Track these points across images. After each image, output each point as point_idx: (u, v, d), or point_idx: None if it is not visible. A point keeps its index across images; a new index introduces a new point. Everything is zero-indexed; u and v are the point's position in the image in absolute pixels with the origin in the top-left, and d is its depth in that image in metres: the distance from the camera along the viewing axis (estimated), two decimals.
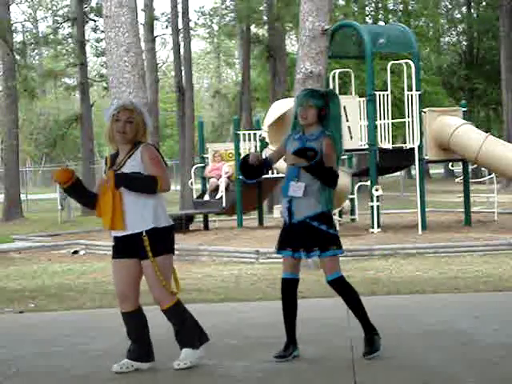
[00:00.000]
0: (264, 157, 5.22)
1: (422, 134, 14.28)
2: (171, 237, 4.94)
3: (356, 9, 33.38)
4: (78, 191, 4.94)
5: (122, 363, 4.94)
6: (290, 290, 5.12)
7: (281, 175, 15.68)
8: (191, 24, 31.28)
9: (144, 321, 5.01)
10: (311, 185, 5.03)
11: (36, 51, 38.62)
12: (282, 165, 13.94)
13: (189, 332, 4.99)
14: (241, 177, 5.17)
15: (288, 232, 5.10)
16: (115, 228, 4.85)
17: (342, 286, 5.05)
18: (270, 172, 16.30)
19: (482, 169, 20.77)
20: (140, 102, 11.07)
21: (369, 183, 14.41)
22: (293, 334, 5.12)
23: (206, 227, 16.67)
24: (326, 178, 5.01)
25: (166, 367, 5.00)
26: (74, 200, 5.20)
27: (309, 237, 5.02)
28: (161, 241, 4.86)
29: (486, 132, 16.02)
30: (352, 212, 16.30)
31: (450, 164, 18.41)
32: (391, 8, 36.39)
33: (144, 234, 4.82)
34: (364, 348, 5.06)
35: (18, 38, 33.54)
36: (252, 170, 5.15)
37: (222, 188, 16.48)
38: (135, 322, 4.96)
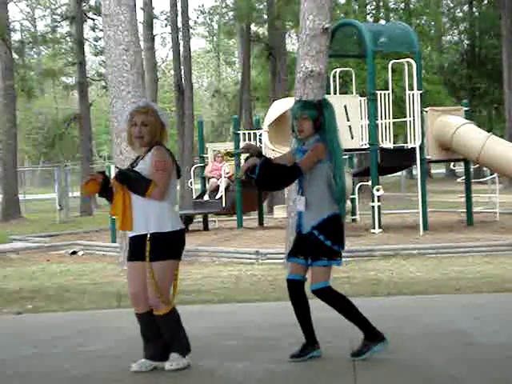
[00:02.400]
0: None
1: (423, 133, 14.23)
2: (177, 242, 4.85)
3: (357, 7, 33.35)
4: (110, 192, 4.90)
5: (140, 362, 4.91)
6: (296, 290, 5.08)
7: None
8: (191, 23, 31.33)
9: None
10: (311, 196, 4.98)
11: (34, 50, 38.56)
12: None
13: (178, 342, 4.92)
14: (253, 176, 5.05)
15: (299, 241, 5.09)
16: (124, 228, 4.84)
17: (326, 296, 4.98)
18: None
19: (484, 169, 20.74)
20: (136, 103, 11.01)
21: (370, 183, 14.36)
22: (309, 334, 5.07)
23: (206, 227, 16.62)
24: (276, 177, 4.93)
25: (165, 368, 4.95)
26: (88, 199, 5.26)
27: (304, 245, 5.01)
28: (162, 246, 4.78)
29: (488, 131, 15.98)
30: (353, 212, 16.27)
31: (452, 164, 18.37)
32: (392, 6, 36.38)
33: (148, 237, 4.77)
34: (357, 347, 5.03)
35: (16, 36, 33.62)
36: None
37: (222, 188, 16.44)
38: (147, 322, 4.91)
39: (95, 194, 4.91)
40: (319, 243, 4.94)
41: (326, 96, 9.88)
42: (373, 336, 5.00)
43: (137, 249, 4.84)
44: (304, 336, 5.09)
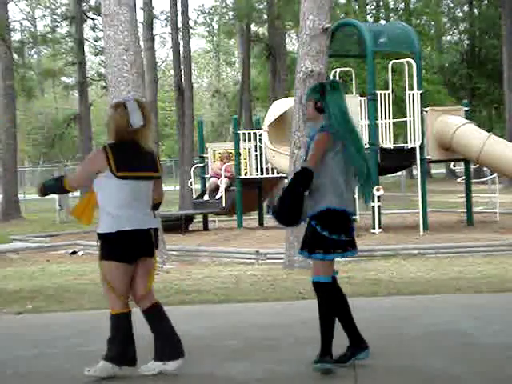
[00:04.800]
0: None
1: (423, 133, 14.22)
2: (120, 244, 4.80)
3: (357, 7, 33.35)
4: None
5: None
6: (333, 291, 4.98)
7: (281, 175, 15.63)
8: (191, 22, 31.26)
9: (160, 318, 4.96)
10: (318, 180, 4.86)
11: (34, 50, 38.57)
12: (282, 165, 13.81)
13: (113, 348, 4.94)
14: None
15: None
16: (82, 222, 5.06)
17: (321, 293, 4.90)
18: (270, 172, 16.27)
19: (484, 169, 20.72)
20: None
21: None
22: (351, 334, 4.97)
23: (206, 227, 16.61)
24: (290, 199, 4.85)
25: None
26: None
27: (306, 235, 4.96)
28: (106, 246, 4.83)
29: (488, 131, 15.97)
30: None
31: (452, 164, 18.36)
32: (392, 6, 36.38)
33: (98, 237, 4.87)
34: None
35: (16, 36, 33.59)
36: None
37: (222, 188, 16.43)
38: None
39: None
40: (316, 234, 4.86)
41: None
42: (325, 351, 4.85)
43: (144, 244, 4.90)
44: (348, 337, 4.98)
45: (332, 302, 4.92)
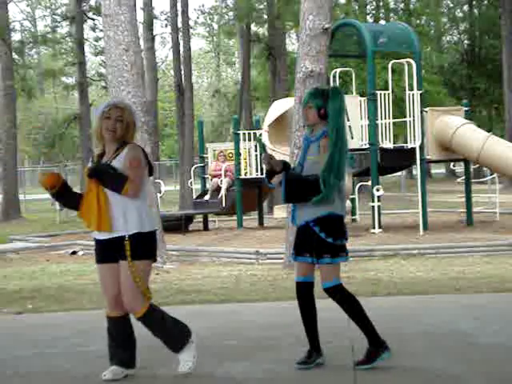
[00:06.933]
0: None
1: (423, 133, 14.22)
2: (153, 242, 4.79)
3: (357, 7, 33.33)
4: (66, 195, 4.82)
5: (112, 369, 4.86)
6: (305, 293, 4.97)
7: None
8: (191, 23, 31.28)
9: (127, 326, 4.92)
10: None
11: (34, 50, 38.56)
12: None
13: (175, 337, 4.84)
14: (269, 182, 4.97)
15: (299, 237, 4.99)
16: (101, 229, 4.69)
17: (337, 295, 4.90)
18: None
19: (484, 169, 20.73)
20: (136, 103, 11.01)
21: (369, 183, 14.35)
22: (314, 340, 4.97)
23: (206, 227, 16.61)
24: (302, 190, 4.84)
25: (165, 369, 4.95)
26: (61, 205, 5.09)
27: (306, 241, 4.92)
28: (142, 246, 4.72)
29: (488, 131, 15.97)
30: (353, 212, 16.25)
31: (452, 164, 18.36)
32: (392, 7, 36.36)
33: (127, 237, 4.68)
34: (363, 356, 4.92)
35: (16, 36, 33.63)
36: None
37: (223, 188, 16.43)
38: (120, 326, 4.88)
39: (52, 187, 4.76)
40: (321, 241, 4.85)
41: None
42: (378, 343, 4.89)
43: (111, 250, 4.73)
44: (309, 342, 4.98)
45: (350, 298, 4.93)
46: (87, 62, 31.50)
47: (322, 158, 4.89)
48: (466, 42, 42.79)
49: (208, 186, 17.28)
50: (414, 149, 14.07)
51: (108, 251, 4.77)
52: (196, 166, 18.66)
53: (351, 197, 15.22)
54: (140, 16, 29.05)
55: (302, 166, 5.00)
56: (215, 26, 46.53)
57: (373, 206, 13.95)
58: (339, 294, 4.91)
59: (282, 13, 24.38)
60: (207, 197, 16.86)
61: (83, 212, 4.76)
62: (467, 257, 11.06)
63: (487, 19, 39.07)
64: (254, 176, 16.44)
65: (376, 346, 4.89)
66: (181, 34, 25.19)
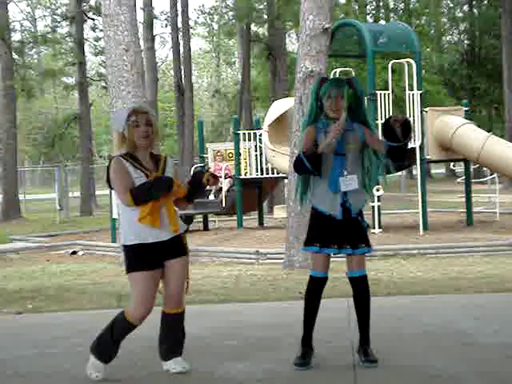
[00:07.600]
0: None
1: (423, 133, 14.22)
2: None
3: (357, 7, 33.36)
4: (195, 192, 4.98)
5: (177, 360, 4.91)
6: (319, 289, 4.93)
7: (281, 175, 15.64)
8: (191, 23, 31.32)
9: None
10: (358, 174, 4.89)
11: (34, 50, 38.57)
12: (282, 165, 13.76)
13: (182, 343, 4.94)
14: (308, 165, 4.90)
15: (337, 228, 4.84)
16: (178, 230, 4.75)
17: (367, 284, 4.93)
18: (270, 172, 16.28)
19: (484, 169, 20.73)
20: (136, 103, 11.01)
21: None
22: (310, 338, 4.99)
23: (206, 227, 16.61)
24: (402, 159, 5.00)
25: (164, 369, 4.94)
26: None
27: (356, 231, 4.86)
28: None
29: (488, 131, 15.98)
30: None
31: (452, 164, 18.37)
32: (392, 7, 36.38)
33: (182, 233, 4.83)
34: (364, 356, 4.91)
35: (16, 36, 33.59)
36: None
37: (224, 189, 16.43)
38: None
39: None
40: (361, 230, 4.87)
41: None
42: (368, 340, 4.97)
43: (176, 247, 4.76)
44: (304, 340, 4.97)
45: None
46: (87, 62, 31.53)
47: (379, 145, 4.95)
48: (465, 42, 42.80)
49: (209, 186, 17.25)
50: (414, 149, 14.08)
51: (174, 248, 4.75)
52: (196, 165, 18.65)
53: None
54: (140, 16, 29.06)
55: (339, 155, 4.86)
56: (215, 26, 46.56)
57: (373, 206, 13.96)
58: (368, 283, 4.95)
59: (282, 13, 24.40)
60: (211, 197, 16.86)
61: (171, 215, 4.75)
62: (467, 257, 11.07)
63: (487, 19, 39.07)
64: (253, 176, 16.44)
65: (368, 344, 4.92)
66: (181, 33, 25.24)
